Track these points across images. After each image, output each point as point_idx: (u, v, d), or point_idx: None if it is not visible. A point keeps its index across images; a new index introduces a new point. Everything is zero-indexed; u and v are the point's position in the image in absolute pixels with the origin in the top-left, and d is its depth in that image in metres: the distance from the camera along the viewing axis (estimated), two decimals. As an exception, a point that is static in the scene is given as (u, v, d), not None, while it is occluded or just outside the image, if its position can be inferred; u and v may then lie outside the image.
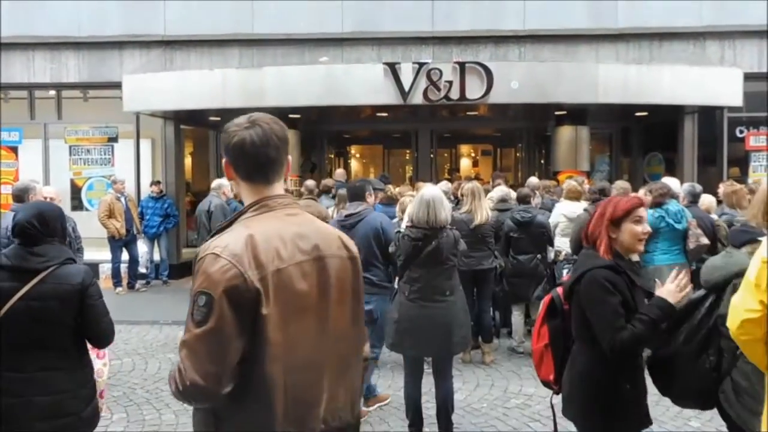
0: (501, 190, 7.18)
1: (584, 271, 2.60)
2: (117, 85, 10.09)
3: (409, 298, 4.22)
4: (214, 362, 1.59)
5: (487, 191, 7.08)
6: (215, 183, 7.70)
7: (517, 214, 6.39)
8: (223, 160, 1.83)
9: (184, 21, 10.96)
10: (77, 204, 11.23)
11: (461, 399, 5.19)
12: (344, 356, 1.80)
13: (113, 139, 11.36)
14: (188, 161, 12.77)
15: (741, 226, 2.78)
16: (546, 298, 2.94)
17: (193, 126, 12.27)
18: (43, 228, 2.85)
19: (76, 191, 11.35)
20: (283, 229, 1.71)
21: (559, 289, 2.87)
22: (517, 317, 6.64)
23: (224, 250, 1.63)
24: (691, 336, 2.68)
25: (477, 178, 12.06)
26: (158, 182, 10.53)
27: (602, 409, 2.62)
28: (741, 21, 10.57)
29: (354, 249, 1.90)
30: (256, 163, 1.77)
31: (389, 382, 5.67)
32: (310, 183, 8.21)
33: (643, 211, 2.66)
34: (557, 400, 2.90)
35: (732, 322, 2.20)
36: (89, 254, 6.67)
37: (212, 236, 1.76)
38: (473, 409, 5.11)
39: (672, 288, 2.54)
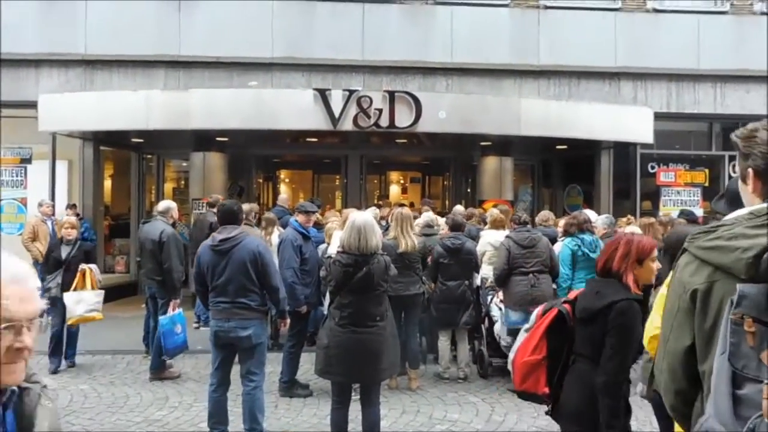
0: (427, 216, 7.29)
1: (618, 300, 2.78)
2: (32, 105, 9.59)
3: (339, 324, 4.17)
4: None
5: (416, 218, 7.16)
6: (162, 206, 6.98)
7: (447, 240, 6.48)
8: None
9: (106, 40, 10.64)
10: (-16, 227, 10.55)
11: (386, 426, 5.14)
12: None
13: (26, 161, 10.80)
14: (108, 184, 12.27)
15: None
16: (550, 313, 3.00)
17: (114, 147, 11.85)
18: None
19: (-17, 214, 10.68)
20: None
21: (567, 306, 2.99)
22: (443, 343, 6.69)
23: None
24: None
25: (410, 205, 12.12)
26: (74, 205, 10.05)
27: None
28: (652, 64, 11.30)
29: None
30: None
31: (314, 410, 5.57)
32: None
33: (656, 251, 3.00)
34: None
35: (645, 340, 2.59)
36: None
37: None
38: (401, 437, 5.09)
39: None
